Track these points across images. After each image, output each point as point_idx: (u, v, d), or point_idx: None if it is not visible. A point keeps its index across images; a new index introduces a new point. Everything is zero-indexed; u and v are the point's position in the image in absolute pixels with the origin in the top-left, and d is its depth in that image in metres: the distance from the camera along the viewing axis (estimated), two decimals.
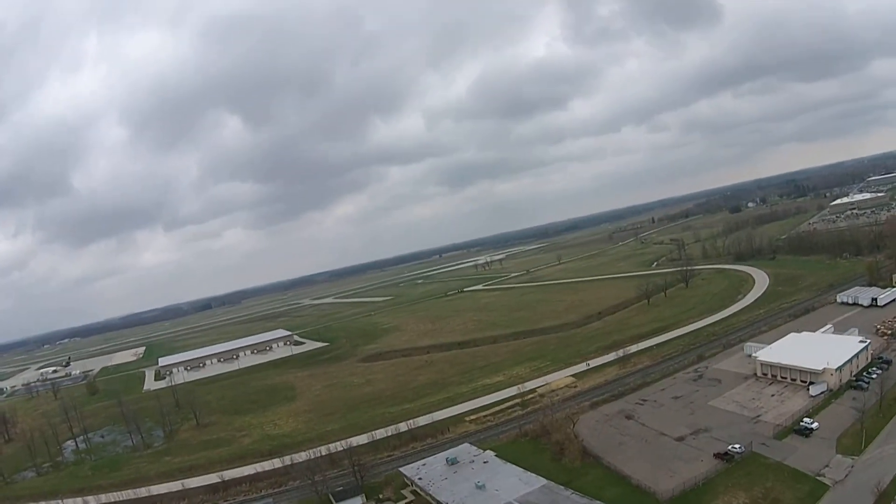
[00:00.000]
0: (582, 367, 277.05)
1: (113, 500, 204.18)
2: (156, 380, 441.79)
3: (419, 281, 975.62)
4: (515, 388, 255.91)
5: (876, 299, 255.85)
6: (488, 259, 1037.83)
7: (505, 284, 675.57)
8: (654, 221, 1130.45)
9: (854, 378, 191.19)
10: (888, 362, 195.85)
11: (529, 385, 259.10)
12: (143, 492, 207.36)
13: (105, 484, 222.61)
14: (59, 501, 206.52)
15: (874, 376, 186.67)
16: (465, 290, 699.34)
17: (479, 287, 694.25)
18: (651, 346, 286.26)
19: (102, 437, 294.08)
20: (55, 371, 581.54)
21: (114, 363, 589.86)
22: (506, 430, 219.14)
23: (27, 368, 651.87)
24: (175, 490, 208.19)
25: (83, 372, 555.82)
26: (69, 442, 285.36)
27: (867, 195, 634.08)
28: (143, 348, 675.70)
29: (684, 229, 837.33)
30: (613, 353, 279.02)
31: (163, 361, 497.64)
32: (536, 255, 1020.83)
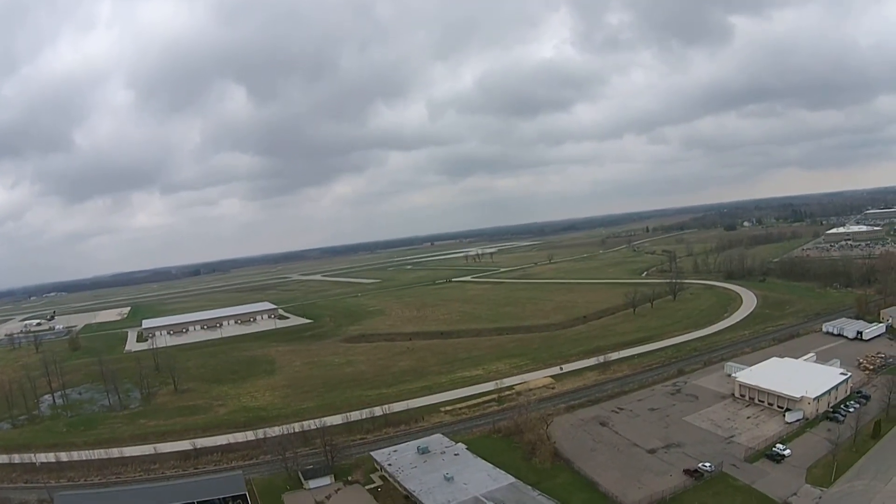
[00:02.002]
0: (565, 367, 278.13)
1: (85, 458, 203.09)
2: (138, 341, 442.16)
3: (409, 266, 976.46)
4: (493, 383, 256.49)
5: (861, 333, 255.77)
6: (479, 251, 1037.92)
7: (494, 278, 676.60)
8: (648, 231, 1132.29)
9: (831, 409, 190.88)
10: (867, 397, 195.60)
11: (508, 382, 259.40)
12: (115, 452, 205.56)
13: (79, 441, 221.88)
14: (32, 455, 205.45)
15: (851, 410, 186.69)
16: (453, 280, 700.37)
17: (468, 279, 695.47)
18: (633, 356, 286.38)
19: (80, 394, 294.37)
20: (39, 324, 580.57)
21: (98, 321, 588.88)
22: (480, 425, 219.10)
23: (11, 319, 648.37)
24: (147, 454, 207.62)
25: (66, 327, 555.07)
26: (47, 396, 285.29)
27: (863, 227, 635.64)
28: (129, 308, 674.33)
29: (678, 241, 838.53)
30: (595, 359, 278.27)
31: (146, 324, 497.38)
32: (528, 252, 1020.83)
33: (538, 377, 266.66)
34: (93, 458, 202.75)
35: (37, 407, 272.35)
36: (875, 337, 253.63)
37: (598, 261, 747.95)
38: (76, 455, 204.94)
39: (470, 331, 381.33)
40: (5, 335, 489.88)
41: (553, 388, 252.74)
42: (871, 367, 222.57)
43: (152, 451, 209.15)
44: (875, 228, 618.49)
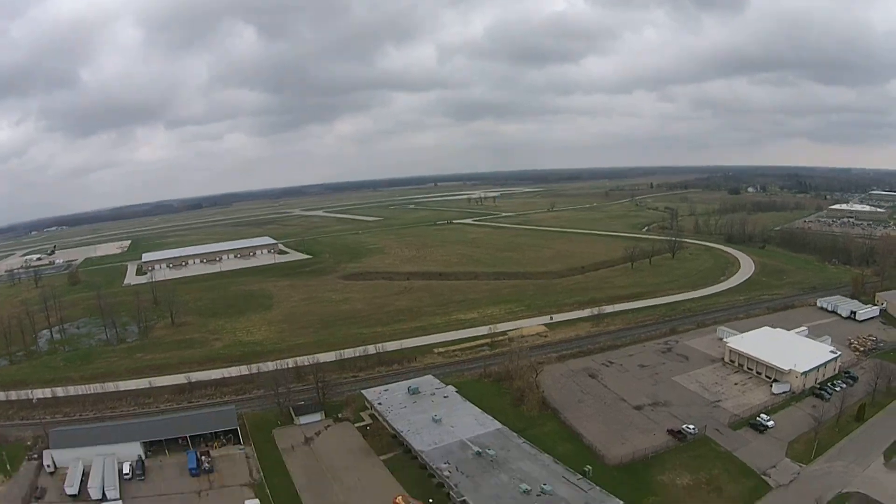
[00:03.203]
0: (559, 316, 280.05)
1: (81, 392, 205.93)
2: (137, 275, 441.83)
3: (411, 206, 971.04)
4: (487, 327, 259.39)
5: (855, 313, 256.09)
6: (482, 195, 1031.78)
7: (496, 223, 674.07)
8: (651, 186, 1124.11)
9: (818, 386, 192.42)
10: (854, 378, 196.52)
11: (501, 327, 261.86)
12: (110, 387, 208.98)
13: (75, 376, 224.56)
14: (29, 391, 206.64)
15: (838, 389, 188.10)
16: (455, 221, 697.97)
17: (470, 221, 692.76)
18: (627, 310, 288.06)
19: (78, 328, 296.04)
20: (39, 258, 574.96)
21: (98, 254, 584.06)
22: (471, 368, 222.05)
23: (12, 255, 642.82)
24: (142, 388, 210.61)
25: (67, 261, 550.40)
26: (45, 331, 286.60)
27: (867, 207, 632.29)
28: (129, 242, 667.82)
29: (681, 200, 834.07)
30: (589, 310, 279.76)
31: (146, 257, 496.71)
32: (531, 198, 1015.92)
33: (532, 324, 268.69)
34: (89, 392, 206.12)
35: (35, 342, 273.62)
36: (868, 319, 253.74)
37: (601, 213, 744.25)
38: (72, 390, 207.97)
39: (468, 273, 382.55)
40: (5, 271, 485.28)
41: (546, 337, 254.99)
42: (862, 348, 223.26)
43: (147, 385, 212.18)
44: (878, 210, 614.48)
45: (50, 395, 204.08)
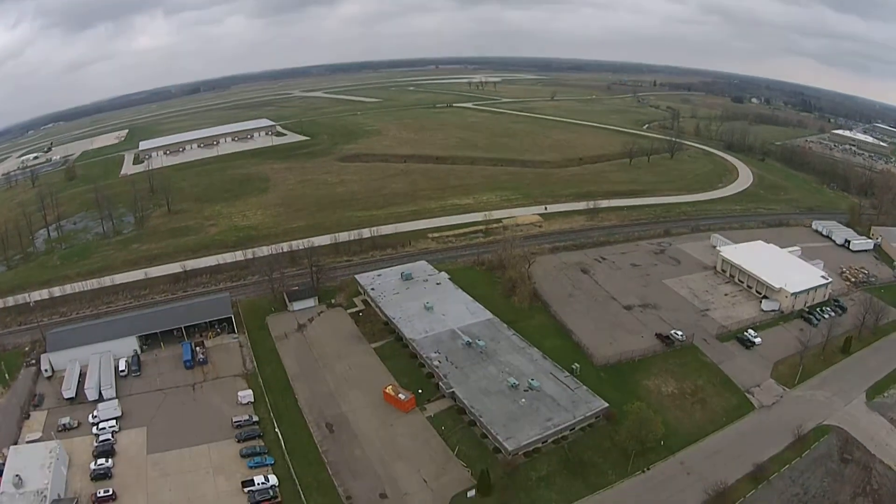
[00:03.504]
0: (554, 207, 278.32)
1: (78, 290, 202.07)
2: (134, 164, 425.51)
3: (411, 88, 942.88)
4: (482, 214, 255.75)
5: (849, 242, 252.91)
6: (483, 79, 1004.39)
7: (495, 108, 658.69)
8: (654, 84, 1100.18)
9: (807, 309, 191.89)
10: (843, 308, 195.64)
11: (496, 214, 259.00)
12: (107, 281, 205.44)
13: (72, 274, 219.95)
14: (27, 295, 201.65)
15: (826, 316, 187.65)
16: (454, 105, 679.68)
17: (469, 105, 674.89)
18: (622, 207, 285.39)
19: (75, 224, 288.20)
20: (36, 157, 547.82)
21: (95, 146, 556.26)
22: (464, 255, 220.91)
23: (8, 157, 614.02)
24: (138, 279, 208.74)
25: (63, 157, 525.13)
26: (42, 231, 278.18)
27: (870, 138, 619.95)
28: (126, 131, 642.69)
29: (683, 101, 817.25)
30: (584, 203, 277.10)
31: (143, 145, 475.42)
32: (533, 86, 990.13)
33: (527, 213, 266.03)
34: (85, 289, 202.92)
35: (32, 244, 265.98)
36: (862, 251, 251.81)
37: (602, 105, 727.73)
38: (69, 288, 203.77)
39: (465, 158, 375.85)
40: (2, 175, 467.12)
41: (540, 227, 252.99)
42: (853, 279, 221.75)
43: (143, 277, 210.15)
44: (881, 143, 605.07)
45: (47, 297, 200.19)
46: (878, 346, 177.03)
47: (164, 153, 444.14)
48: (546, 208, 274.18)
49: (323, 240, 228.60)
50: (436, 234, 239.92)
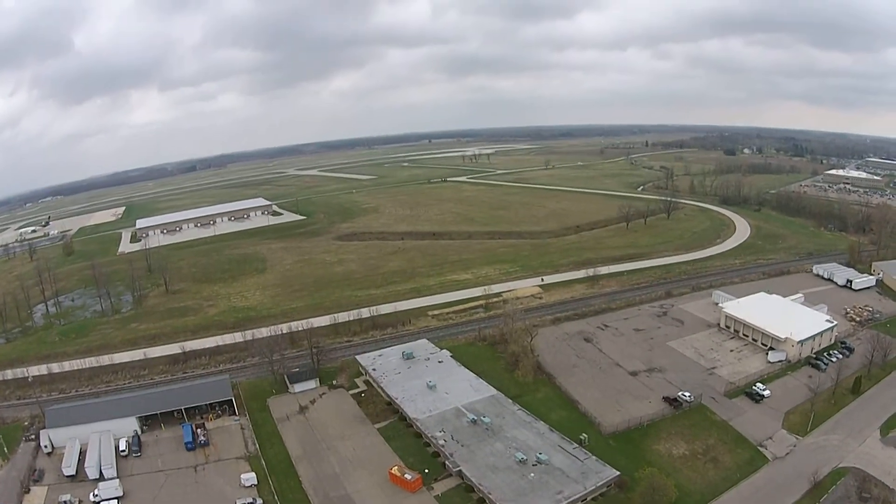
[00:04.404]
0: (553, 277, 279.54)
1: (76, 367, 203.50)
2: (131, 242, 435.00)
3: (405, 164, 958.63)
4: (482, 289, 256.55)
5: (851, 281, 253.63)
6: (477, 152, 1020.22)
7: (490, 180, 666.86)
8: (647, 145, 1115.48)
9: (814, 356, 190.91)
10: (850, 349, 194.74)
11: (496, 288, 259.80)
12: (105, 360, 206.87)
13: (70, 350, 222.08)
14: (25, 369, 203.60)
15: (834, 360, 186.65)
16: (448, 179, 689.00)
17: (464, 179, 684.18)
18: (622, 272, 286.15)
19: (73, 300, 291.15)
20: (34, 231, 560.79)
21: (92, 223, 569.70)
22: (465, 331, 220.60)
23: (7, 228, 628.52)
24: (137, 359, 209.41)
25: (61, 232, 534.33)
26: (40, 305, 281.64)
27: (863, 174, 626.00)
28: (123, 208, 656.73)
29: (676, 159, 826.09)
30: (584, 271, 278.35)
31: (140, 223, 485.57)
32: (526, 155, 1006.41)
33: (526, 285, 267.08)
34: (84, 366, 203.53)
35: (30, 317, 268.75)
36: (864, 288, 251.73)
37: (596, 170, 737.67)
38: (67, 365, 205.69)
39: (462, 233, 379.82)
40: (0, 246, 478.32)
41: (540, 298, 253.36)
42: (858, 318, 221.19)
43: (142, 357, 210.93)
44: (875, 177, 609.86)
45: (46, 372, 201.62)
46: (888, 382, 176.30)
47: (161, 232, 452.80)
48: (543, 280, 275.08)
49: (322, 320, 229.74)
50: (436, 312, 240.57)
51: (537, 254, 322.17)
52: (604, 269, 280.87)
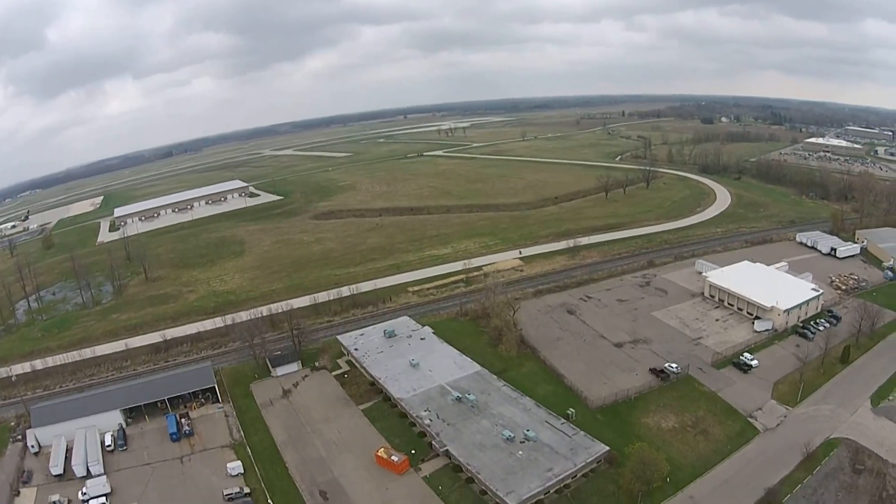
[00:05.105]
0: (533, 249, 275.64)
1: (60, 362, 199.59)
2: (110, 231, 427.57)
3: (381, 140, 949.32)
4: (462, 263, 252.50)
5: (835, 249, 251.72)
6: (452, 126, 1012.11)
7: (466, 153, 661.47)
8: (623, 115, 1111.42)
9: (801, 324, 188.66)
10: (837, 318, 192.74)
11: (476, 262, 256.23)
12: (88, 353, 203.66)
13: (53, 346, 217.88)
14: (9, 369, 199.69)
15: (821, 328, 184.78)
16: (425, 154, 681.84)
17: (440, 153, 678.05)
18: (603, 242, 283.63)
19: (54, 294, 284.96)
20: (14, 226, 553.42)
21: (71, 214, 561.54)
22: (447, 307, 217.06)
23: None
24: (119, 350, 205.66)
25: (40, 225, 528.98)
26: (22, 302, 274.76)
27: (843, 142, 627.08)
28: (101, 198, 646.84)
29: (653, 129, 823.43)
30: (564, 242, 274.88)
31: (118, 212, 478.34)
32: (502, 128, 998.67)
33: (507, 258, 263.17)
34: (67, 361, 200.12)
35: (13, 315, 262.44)
36: (849, 256, 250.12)
37: (572, 141, 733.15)
38: (50, 361, 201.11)
39: (440, 207, 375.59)
40: None
41: (521, 271, 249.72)
42: (844, 287, 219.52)
43: (124, 348, 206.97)
44: (855, 146, 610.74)
45: (30, 370, 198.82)
46: (876, 351, 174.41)
47: (139, 219, 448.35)
48: (521, 252, 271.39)
49: (302, 301, 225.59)
50: (416, 288, 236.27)
51: (516, 226, 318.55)
52: (584, 240, 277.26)
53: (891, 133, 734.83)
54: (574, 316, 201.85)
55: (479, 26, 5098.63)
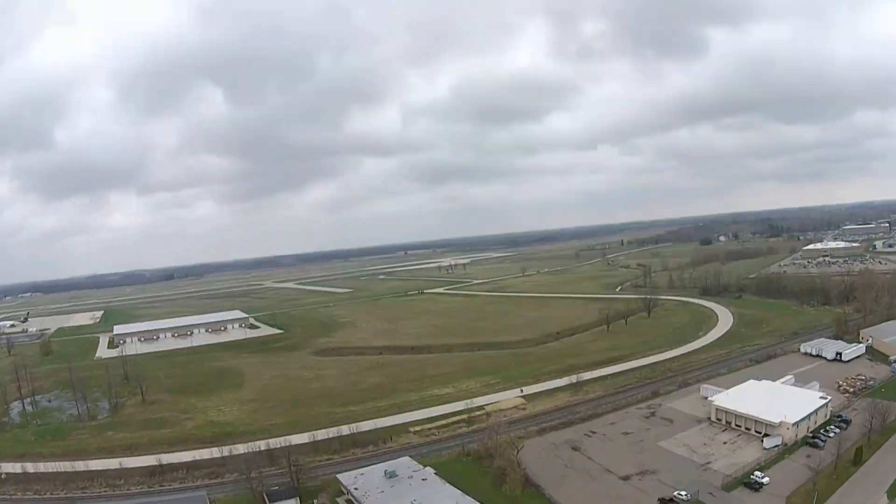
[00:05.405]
0: (536, 387, 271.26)
1: (52, 469, 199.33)
2: (109, 347, 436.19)
3: (381, 276, 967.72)
4: (464, 402, 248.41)
5: (840, 354, 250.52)
6: (452, 262, 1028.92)
7: (467, 290, 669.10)
8: (623, 244, 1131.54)
9: (811, 434, 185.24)
10: (847, 421, 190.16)
11: (478, 401, 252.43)
12: (80, 465, 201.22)
13: (46, 452, 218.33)
14: None
15: (831, 435, 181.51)
16: (425, 291, 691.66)
17: (441, 290, 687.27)
18: (606, 376, 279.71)
19: (49, 401, 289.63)
20: (13, 325, 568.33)
21: (71, 324, 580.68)
22: (449, 447, 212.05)
23: None
24: (113, 468, 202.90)
25: (40, 330, 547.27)
26: (16, 403, 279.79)
27: (841, 244, 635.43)
28: (102, 312, 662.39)
29: (653, 255, 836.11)
30: (567, 378, 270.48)
31: (118, 329, 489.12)
32: (502, 263, 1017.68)
33: (509, 397, 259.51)
34: (59, 470, 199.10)
35: (6, 413, 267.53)
36: (854, 358, 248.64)
37: (573, 274, 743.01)
38: (42, 467, 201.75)
39: (441, 346, 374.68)
40: None
41: (524, 409, 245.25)
42: (851, 389, 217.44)
43: (118, 466, 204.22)
44: (853, 245, 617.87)
45: (20, 471, 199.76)
46: (889, 446, 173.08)
47: (139, 340, 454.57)
48: (522, 391, 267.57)
49: (301, 437, 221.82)
50: (417, 428, 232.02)
51: (518, 363, 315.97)
52: (587, 375, 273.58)
53: (887, 224, 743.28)
54: (579, 452, 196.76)
55: (477, 158, 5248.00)
